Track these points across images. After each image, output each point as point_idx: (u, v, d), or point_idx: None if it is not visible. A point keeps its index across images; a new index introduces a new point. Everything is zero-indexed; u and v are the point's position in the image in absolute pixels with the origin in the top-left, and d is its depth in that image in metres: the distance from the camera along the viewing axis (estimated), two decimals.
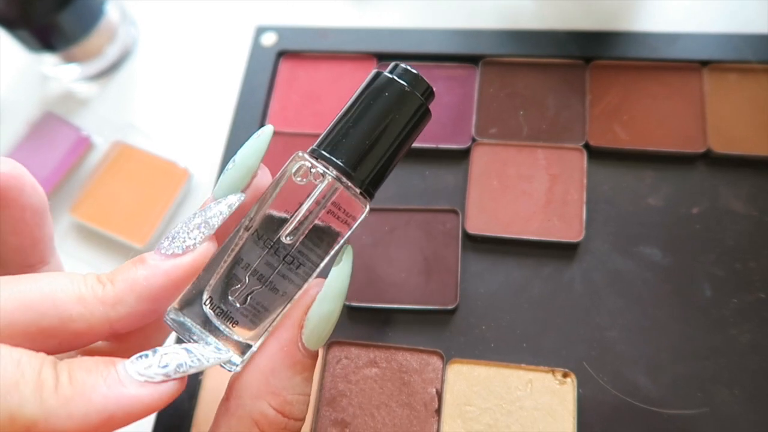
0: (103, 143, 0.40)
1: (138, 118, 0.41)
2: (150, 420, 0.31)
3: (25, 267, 0.21)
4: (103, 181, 0.38)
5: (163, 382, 0.17)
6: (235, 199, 0.21)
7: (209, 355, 0.19)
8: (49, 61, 0.42)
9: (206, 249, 0.20)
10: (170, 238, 0.20)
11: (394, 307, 0.32)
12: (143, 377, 0.17)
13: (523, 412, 0.29)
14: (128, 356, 0.19)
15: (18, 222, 0.20)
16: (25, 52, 0.41)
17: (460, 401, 0.29)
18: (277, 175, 0.21)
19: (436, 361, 0.30)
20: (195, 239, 0.20)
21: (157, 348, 0.18)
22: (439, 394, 0.30)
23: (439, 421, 0.29)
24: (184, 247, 0.20)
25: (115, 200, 0.37)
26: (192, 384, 0.31)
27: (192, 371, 0.18)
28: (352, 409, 0.30)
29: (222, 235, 0.21)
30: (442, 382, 0.30)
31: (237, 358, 0.21)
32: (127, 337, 0.22)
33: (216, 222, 0.20)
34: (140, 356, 0.18)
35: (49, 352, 0.17)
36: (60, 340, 0.18)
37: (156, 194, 0.37)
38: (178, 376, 0.18)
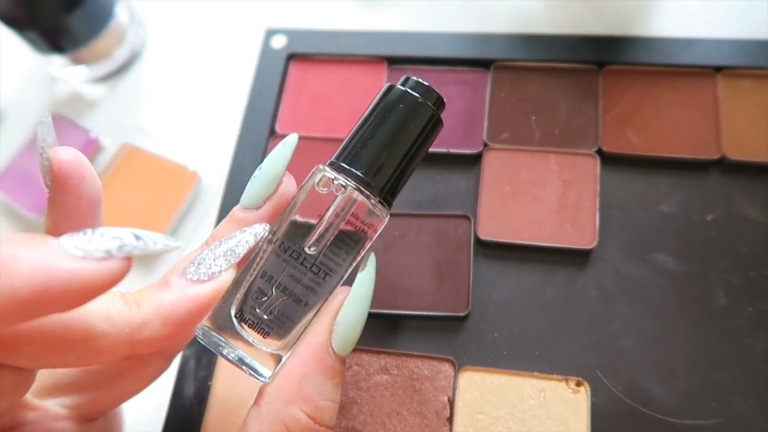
0: (111, 145, 0.40)
1: (146, 121, 0.41)
2: (158, 425, 0.31)
3: None
4: (112, 183, 0.38)
5: (104, 259, 0.16)
6: (260, 229, 0.21)
7: (156, 237, 0.17)
8: (57, 63, 0.42)
9: (230, 275, 0.20)
10: (196, 264, 0.20)
11: (405, 314, 0.31)
12: (81, 251, 0.15)
13: (536, 421, 0.29)
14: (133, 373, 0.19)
15: (73, 209, 0.20)
16: (34, 53, 0.41)
17: (472, 409, 0.29)
18: (299, 188, 0.22)
19: (447, 369, 0.30)
20: (221, 266, 0.20)
21: (100, 227, 0.17)
22: (451, 402, 0.29)
23: (450, 429, 0.29)
24: (210, 273, 0.20)
25: (123, 203, 0.37)
26: (201, 389, 0.31)
27: (137, 252, 0.16)
28: (363, 416, 0.30)
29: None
30: (454, 389, 0.30)
31: (266, 370, 0.21)
32: (139, 357, 0.22)
33: (242, 250, 0.21)
34: (79, 232, 0.16)
35: (64, 367, 0.17)
36: (79, 355, 0.18)
37: (165, 197, 0.37)
38: (121, 254, 0.16)
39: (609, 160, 0.34)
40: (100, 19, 0.40)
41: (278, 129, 0.37)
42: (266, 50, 0.40)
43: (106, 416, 0.23)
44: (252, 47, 0.41)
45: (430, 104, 0.23)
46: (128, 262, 0.16)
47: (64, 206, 0.20)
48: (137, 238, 0.17)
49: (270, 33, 0.41)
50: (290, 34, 0.40)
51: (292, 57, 0.40)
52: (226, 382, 0.31)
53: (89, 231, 0.16)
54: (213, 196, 0.38)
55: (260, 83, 0.39)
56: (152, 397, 0.32)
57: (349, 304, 0.21)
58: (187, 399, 0.31)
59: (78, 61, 0.42)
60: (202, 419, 0.31)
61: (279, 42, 0.40)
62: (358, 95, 0.38)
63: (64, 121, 0.40)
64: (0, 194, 0.39)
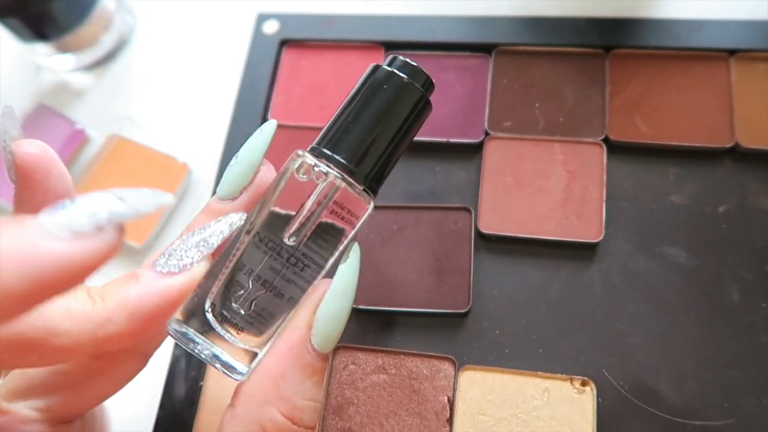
0: (98, 137, 0.39)
1: (135, 111, 0.40)
2: (148, 427, 0.30)
3: None
4: (99, 176, 0.37)
5: (95, 234, 0.14)
6: (236, 218, 0.20)
7: (145, 197, 0.16)
8: (41, 51, 0.40)
9: (203, 268, 0.19)
10: (166, 255, 0.19)
11: (404, 311, 0.30)
12: (68, 230, 0.14)
13: (540, 422, 0.27)
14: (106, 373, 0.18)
15: (41, 205, 0.19)
16: (17, 41, 0.40)
17: (473, 410, 0.28)
18: (277, 175, 0.21)
19: (447, 368, 0.29)
20: (193, 258, 0.19)
21: (77, 198, 0.15)
22: (451, 403, 0.28)
23: (450, 430, 0.28)
24: (181, 265, 0.19)
25: None
26: (192, 390, 0.30)
27: (128, 218, 0.15)
28: (360, 417, 0.29)
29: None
30: (454, 389, 0.28)
31: (243, 367, 0.20)
32: (112, 355, 0.21)
33: (215, 241, 0.20)
34: (57, 206, 0.14)
35: (26, 367, 0.16)
36: (41, 354, 0.17)
37: None
38: (112, 224, 0.14)
39: (616, 149, 0.32)
40: (85, 4, 0.39)
41: (271, 118, 0.36)
42: (258, 36, 0.38)
43: (83, 417, 0.22)
44: (243, 33, 0.39)
45: (418, 86, 0.21)
46: (120, 229, 0.15)
47: (30, 202, 0.19)
48: (123, 200, 0.15)
49: (262, 18, 0.39)
50: (283, 18, 0.39)
51: (285, 43, 0.38)
52: (217, 382, 0.30)
53: (68, 203, 0.14)
54: (204, 188, 0.36)
55: (252, 70, 0.38)
56: (141, 398, 0.31)
57: (329, 298, 0.20)
58: (177, 400, 0.30)
59: (63, 49, 0.40)
60: (194, 420, 0.30)
61: (271, 27, 0.39)
62: (355, 82, 0.36)
63: (50, 112, 0.39)
64: None
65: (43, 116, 0.39)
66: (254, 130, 0.35)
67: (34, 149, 0.19)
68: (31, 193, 0.19)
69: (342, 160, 0.20)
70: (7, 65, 0.43)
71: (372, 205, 0.21)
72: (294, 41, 0.38)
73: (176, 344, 0.31)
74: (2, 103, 0.41)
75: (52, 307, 0.17)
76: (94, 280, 0.20)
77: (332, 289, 0.20)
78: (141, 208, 0.15)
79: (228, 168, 0.22)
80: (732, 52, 0.33)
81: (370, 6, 0.39)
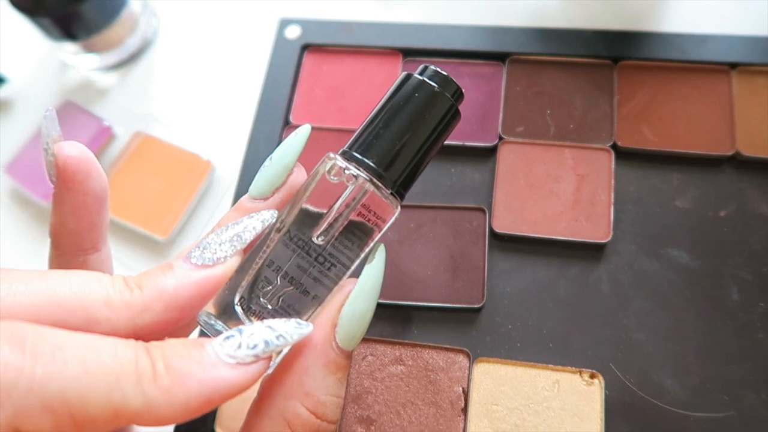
0: (123, 134, 0.40)
1: (157, 110, 0.41)
2: None
3: (78, 251, 0.21)
4: (125, 172, 0.38)
5: (253, 363, 0.17)
6: (268, 216, 0.21)
7: (292, 330, 0.18)
8: (68, 50, 0.42)
9: (236, 262, 0.20)
10: (201, 248, 0.20)
11: (421, 305, 0.32)
12: (233, 359, 0.17)
13: (551, 413, 0.29)
14: None
15: (80, 206, 0.20)
16: (46, 39, 0.41)
17: (486, 400, 0.29)
18: (308, 176, 0.22)
19: (462, 360, 0.30)
20: (226, 252, 0.20)
21: (242, 327, 0.18)
22: (466, 393, 0.30)
23: (465, 420, 0.29)
24: (215, 259, 0.19)
25: (136, 192, 0.37)
26: None
27: (279, 349, 0.18)
28: (378, 406, 0.30)
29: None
30: (469, 380, 0.30)
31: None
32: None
33: (248, 237, 0.20)
34: (228, 337, 0.17)
35: None
36: None
37: (178, 186, 0.37)
38: (266, 355, 0.17)
39: (623, 155, 0.34)
40: (113, 7, 0.40)
41: (292, 119, 0.37)
42: (280, 40, 0.40)
43: None
44: (266, 37, 0.41)
45: (448, 95, 0.22)
46: (269, 359, 0.18)
47: (70, 203, 0.20)
48: (278, 337, 0.18)
49: (284, 23, 0.40)
50: (304, 24, 0.40)
51: (306, 48, 0.40)
52: None
53: (236, 334, 0.17)
54: (227, 186, 0.38)
55: (274, 73, 0.39)
56: None
57: (354, 297, 0.20)
58: None
59: (90, 49, 0.41)
60: (216, 411, 0.31)
61: (293, 32, 0.40)
62: (373, 87, 0.38)
63: (77, 109, 0.40)
64: (13, 181, 0.39)
65: (70, 113, 0.40)
66: (276, 131, 0.37)
67: (75, 151, 0.20)
68: (72, 195, 0.20)
69: (372, 164, 0.21)
70: (35, 63, 0.44)
71: (399, 209, 0.21)
72: (315, 46, 0.40)
73: (200, 334, 0.32)
74: (29, 98, 0.43)
75: (92, 296, 0.17)
76: (119, 270, 0.21)
77: (357, 289, 0.20)
78: (289, 340, 0.18)
79: (261, 168, 0.22)
80: (734, 66, 0.35)
81: (389, 14, 0.41)
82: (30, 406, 0.14)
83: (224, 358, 0.17)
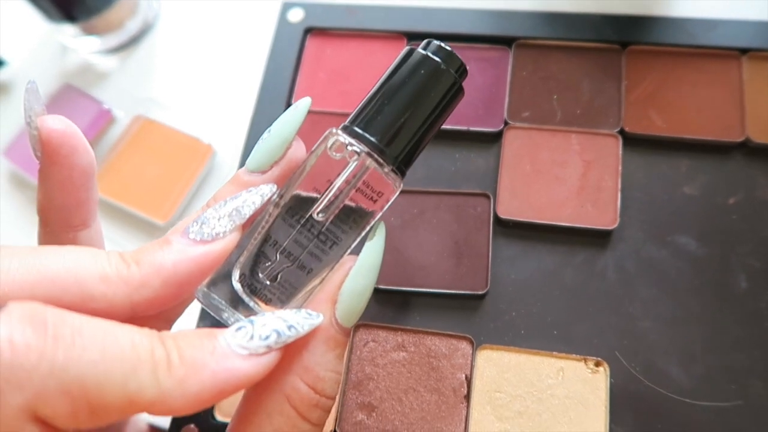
0: (123, 117, 0.40)
1: (159, 93, 0.40)
2: None
3: (67, 227, 0.21)
4: (125, 155, 0.37)
5: (265, 353, 0.17)
6: (267, 190, 0.20)
7: (303, 321, 0.18)
8: (68, 32, 0.41)
9: (235, 237, 0.20)
10: (199, 223, 0.19)
11: (423, 291, 0.31)
12: (246, 350, 0.17)
13: (555, 401, 0.28)
14: None
15: (66, 181, 0.20)
16: (45, 21, 0.40)
17: (490, 388, 0.29)
18: (309, 152, 0.21)
19: (465, 347, 0.30)
20: (225, 227, 0.19)
21: (253, 318, 0.18)
22: (469, 380, 0.29)
23: (468, 407, 0.29)
24: (214, 234, 0.19)
25: (136, 175, 0.37)
26: None
27: (290, 340, 0.18)
28: (380, 392, 0.29)
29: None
30: (472, 367, 0.29)
31: None
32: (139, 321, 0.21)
33: (248, 211, 0.20)
34: (239, 328, 0.17)
35: None
36: None
37: (179, 170, 0.36)
38: (278, 346, 0.17)
39: (631, 140, 0.33)
40: None
41: (295, 103, 0.37)
42: (283, 23, 0.39)
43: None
44: (268, 20, 0.40)
45: (452, 71, 0.21)
46: (281, 351, 0.18)
47: (55, 178, 0.19)
48: (289, 327, 0.18)
49: (287, 6, 0.40)
50: (307, 7, 0.40)
51: (309, 31, 0.39)
52: None
53: (248, 325, 0.17)
54: (228, 169, 0.37)
55: (277, 57, 0.38)
56: None
57: (354, 275, 0.20)
58: None
59: (90, 32, 0.41)
60: None
61: (296, 15, 0.39)
62: (377, 71, 0.37)
63: (76, 92, 0.40)
64: (10, 164, 0.38)
65: (69, 95, 0.39)
66: (279, 114, 0.36)
67: (59, 125, 0.19)
68: (57, 169, 0.19)
69: (373, 140, 0.20)
70: (34, 45, 0.44)
71: (400, 186, 0.21)
72: (318, 29, 0.39)
73: (202, 312, 0.32)
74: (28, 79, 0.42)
75: (88, 272, 0.17)
76: (110, 247, 0.20)
77: (358, 266, 0.20)
78: (300, 331, 0.18)
79: (260, 141, 0.21)
80: (744, 51, 0.34)
81: None
82: (50, 389, 0.14)
83: (237, 349, 0.17)
